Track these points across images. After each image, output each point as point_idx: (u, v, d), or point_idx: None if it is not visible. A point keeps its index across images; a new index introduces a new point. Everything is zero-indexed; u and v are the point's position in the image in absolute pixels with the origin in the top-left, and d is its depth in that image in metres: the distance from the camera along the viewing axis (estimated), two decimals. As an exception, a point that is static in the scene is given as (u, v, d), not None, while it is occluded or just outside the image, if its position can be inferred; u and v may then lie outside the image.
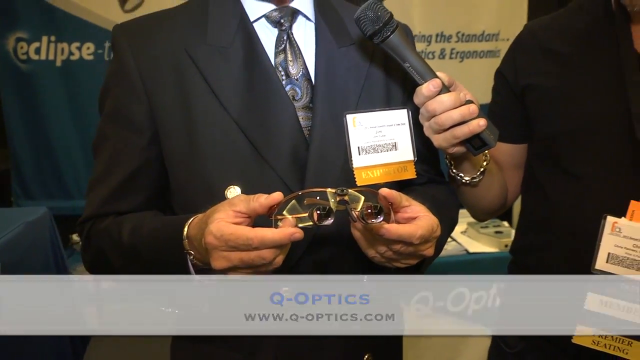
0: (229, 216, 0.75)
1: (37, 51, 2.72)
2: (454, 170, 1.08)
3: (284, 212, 0.76)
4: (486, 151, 1.02)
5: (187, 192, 0.95)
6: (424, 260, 0.91)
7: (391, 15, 0.92)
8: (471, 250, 2.56)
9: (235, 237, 0.73)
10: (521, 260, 1.24)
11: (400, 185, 0.99)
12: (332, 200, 0.77)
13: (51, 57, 2.73)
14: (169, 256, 0.85)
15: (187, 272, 0.84)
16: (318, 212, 0.74)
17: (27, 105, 2.74)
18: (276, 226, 0.75)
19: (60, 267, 2.08)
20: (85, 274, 2.46)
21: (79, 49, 2.74)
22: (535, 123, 1.15)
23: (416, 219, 0.81)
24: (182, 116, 0.93)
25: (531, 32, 1.18)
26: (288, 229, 0.73)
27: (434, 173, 1.12)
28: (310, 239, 0.91)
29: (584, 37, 1.09)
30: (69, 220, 2.61)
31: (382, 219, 0.77)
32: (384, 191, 0.78)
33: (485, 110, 0.99)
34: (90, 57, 2.75)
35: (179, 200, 0.98)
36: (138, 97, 0.94)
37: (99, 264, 0.99)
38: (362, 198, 0.79)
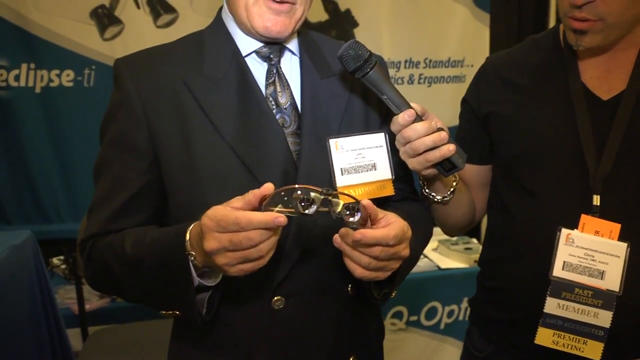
0: (227, 207, 0.83)
1: (17, 78, 2.75)
2: (427, 190, 1.18)
3: (276, 206, 0.84)
4: (455, 173, 1.14)
5: (185, 213, 1.01)
6: (397, 273, 0.99)
7: (371, 54, 1.02)
8: (442, 266, 2.68)
9: (226, 218, 0.81)
10: (487, 271, 1.35)
11: (379, 202, 1.09)
12: (318, 197, 0.85)
13: (30, 84, 2.76)
14: (172, 259, 0.92)
15: (189, 274, 0.91)
16: (302, 203, 0.83)
17: (6, 131, 2.76)
18: (263, 210, 0.83)
19: (44, 290, 2.11)
20: (65, 298, 2.50)
21: (59, 75, 2.79)
22: (497, 146, 1.27)
23: (388, 225, 0.90)
24: (181, 142, 1.01)
25: (492, 64, 1.31)
26: (273, 213, 0.81)
27: (409, 192, 1.22)
28: (295, 259, 1.00)
29: (539, 70, 1.22)
30: (48, 244, 2.65)
31: (358, 216, 0.86)
32: (365, 202, 0.88)
33: (452, 133, 1.10)
34: (70, 84, 2.79)
35: (176, 220, 1.04)
36: (139, 125, 1.02)
37: (101, 278, 1.05)
38: (342, 203, 0.88)
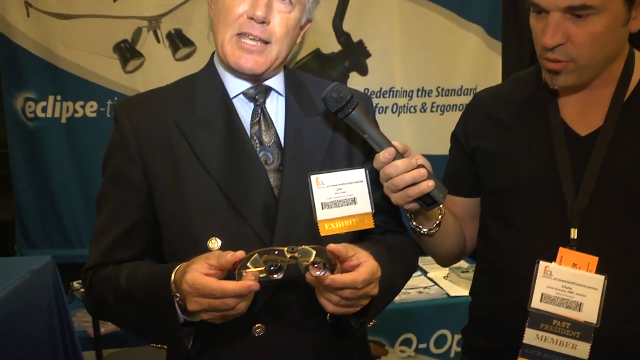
0: (204, 268, 0.92)
1: (44, 109, 2.92)
2: (414, 223, 1.23)
3: (248, 264, 0.93)
4: (441, 205, 1.18)
5: (176, 244, 1.10)
6: (371, 302, 1.05)
7: (352, 96, 1.08)
8: (452, 293, 2.69)
9: (203, 287, 0.90)
10: (476, 301, 1.38)
11: (361, 234, 1.15)
12: (288, 255, 0.93)
13: (57, 114, 2.93)
14: (159, 298, 1.00)
15: (174, 312, 0.99)
16: (271, 267, 0.91)
17: (33, 160, 2.93)
18: (239, 278, 0.91)
19: (62, 314, 2.19)
20: (82, 321, 2.60)
21: (83, 107, 2.95)
22: (482, 180, 1.31)
23: (359, 266, 0.96)
24: (172, 178, 1.09)
25: (480, 101, 1.36)
26: (245, 282, 0.90)
27: (394, 224, 1.27)
28: (274, 288, 1.06)
29: (522, 106, 1.27)
30: (69, 268, 2.77)
31: (324, 272, 0.92)
32: (331, 246, 0.94)
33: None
34: (93, 115, 2.96)
35: (169, 250, 1.13)
36: (135, 163, 1.11)
37: (100, 307, 1.14)
38: (314, 252, 0.94)
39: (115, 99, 2.97)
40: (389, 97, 3.26)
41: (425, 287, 2.74)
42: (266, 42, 1.10)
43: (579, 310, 1.09)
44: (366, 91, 3.22)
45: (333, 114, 1.09)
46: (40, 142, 2.93)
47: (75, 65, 2.92)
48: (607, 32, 1.06)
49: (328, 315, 1.11)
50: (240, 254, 0.92)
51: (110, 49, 2.96)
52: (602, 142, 1.14)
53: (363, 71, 3.24)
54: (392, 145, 1.07)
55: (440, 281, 2.81)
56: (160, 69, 2.99)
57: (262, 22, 1.08)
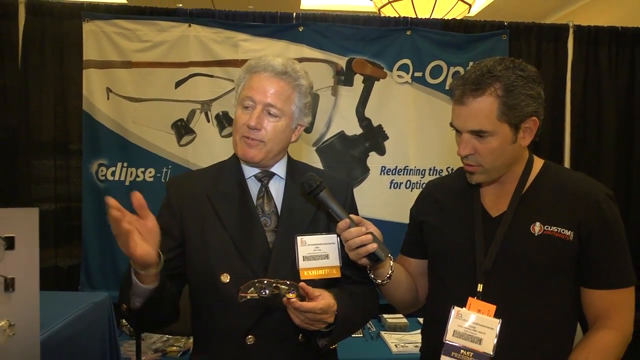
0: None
1: (113, 173, 3.54)
2: (371, 275, 1.63)
3: (248, 291, 1.39)
4: (391, 263, 1.59)
5: (197, 276, 1.57)
6: (332, 331, 1.47)
7: (321, 182, 1.52)
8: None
9: None
10: (422, 336, 1.77)
11: (334, 282, 1.58)
12: (273, 284, 1.39)
13: (122, 178, 3.55)
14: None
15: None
16: (261, 291, 1.37)
17: (100, 214, 3.52)
18: (239, 298, 1.38)
19: (112, 341, 2.68)
20: (127, 350, 3.07)
21: (144, 172, 3.56)
22: (426, 245, 1.73)
23: (319, 299, 1.40)
24: (199, 232, 1.57)
25: (429, 187, 1.80)
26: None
27: (361, 277, 1.66)
28: (264, 310, 1.50)
29: (457, 192, 1.69)
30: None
31: (294, 295, 1.37)
32: (302, 285, 1.39)
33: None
34: (151, 179, 3.55)
35: (192, 280, 1.60)
36: (175, 219, 1.60)
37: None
38: (291, 288, 1.39)
39: (170, 167, 3.56)
40: (403, 174, 3.73)
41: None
42: (261, 141, 1.59)
43: (480, 344, 1.47)
44: (383, 169, 3.71)
45: (307, 193, 1.55)
46: (107, 200, 3.52)
47: (140, 139, 3.55)
48: (500, 147, 1.49)
49: (300, 335, 1.54)
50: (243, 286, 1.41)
51: (168, 126, 3.58)
52: (505, 222, 1.55)
53: (381, 152, 3.74)
54: (348, 217, 1.51)
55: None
56: (208, 144, 3.58)
57: (255, 129, 1.59)
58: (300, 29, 3.65)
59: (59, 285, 3.50)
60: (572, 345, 1.54)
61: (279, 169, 1.68)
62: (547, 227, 1.51)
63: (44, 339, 2.11)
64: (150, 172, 3.56)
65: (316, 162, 3.68)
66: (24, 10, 3.52)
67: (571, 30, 3.84)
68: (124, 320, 3.25)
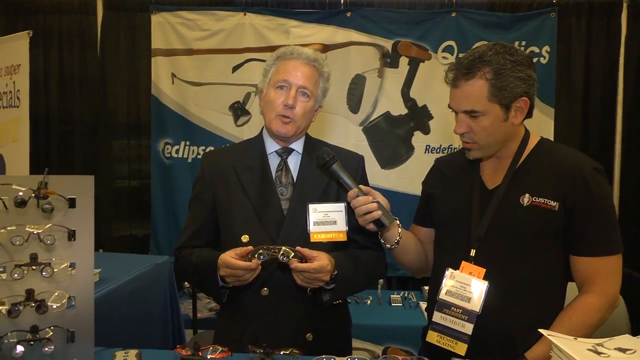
0: (230, 253, 1.62)
1: (177, 151, 3.91)
2: (381, 240, 1.83)
3: (256, 255, 1.62)
4: (399, 230, 1.78)
5: (224, 235, 1.84)
6: (333, 289, 1.69)
7: (334, 156, 1.73)
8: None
9: (227, 263, 1.61)
10: (427, 295, 1.95)
11: (343, 247, 1.78)
12: (272, 251, 1.62)
13: (185, 155, 3.91)
14: (210, 270, 1.71)
15: (217, 278, 1.70)
16: (260, 257, 1.61)
17: (166, 188, 3.92)
18: (249, 261, 1.61)
19: (172, 299, 3.04)
20: (186, 308, 3.43)
21: (204, 150, 3.89)
22: (431, 215, 1.90)
23: (314, 261, 1.61)
24: (227, 199, 1.83)
25: (438, 163, 1.96)
26: (250, 263, 1.60)
27: (371, 242, 1.86)
28: (275, 266, 1.73)
29: (461, 167, 1.84)
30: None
31: (290, 258, 1.60)
32: (298, 248, 1.62)
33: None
34: (211, 157, 3.89)
35: (223, 239, 1.86)
36: (208, 189, 1.86)
37: (182, 273, 1.90)
38: (292, 253, 1.62)
39: (227, 145, 3.87)
40: (447, 153, 3.84)
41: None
42: (292, 119, 1.81)
43: (468, 302, 1.64)
44: (427, 147, 3.84)
45: (321, 166, 1.78)
46: (172, 175, 3.91)
47: (201, 119, 3.90)
48: (492, 125, 1.62)
49: (308, 289, 1.78)
50: (249, 248, 1.62)
51: (226, 108, 3.90)
52: (499, 194, 1.69)
53: (426, 131, 3.86)
54: (357, 188, 1.72)
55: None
56: (262, 123, 3.84)
57: (292, 107, 1.82)
58: (348, 14, 3.83)
59: (134, 251, 3.95)
60: (561, 307, 1.67)
61: (298, 145, 1.90)
62: (534, 199, 1.63)
63: (111, 290, 2.47)
64: (210, 149, 3.86)
65: (363, 141, 3.87)
66: (101, 5, 3.95)
67: (625, 5, 3.76)
68: (185, 283, 3.62)
